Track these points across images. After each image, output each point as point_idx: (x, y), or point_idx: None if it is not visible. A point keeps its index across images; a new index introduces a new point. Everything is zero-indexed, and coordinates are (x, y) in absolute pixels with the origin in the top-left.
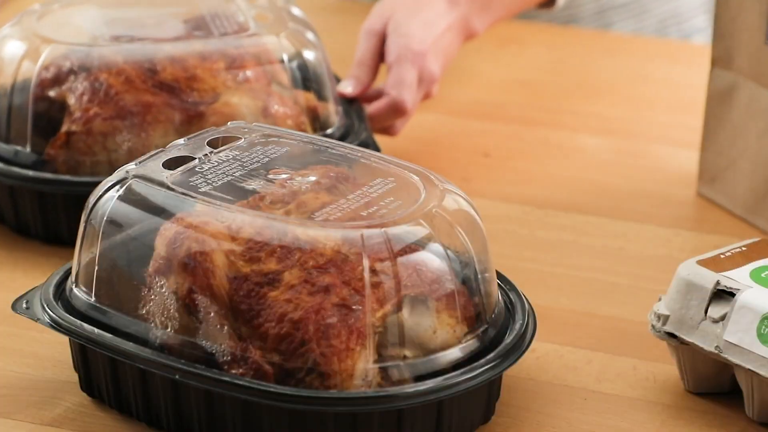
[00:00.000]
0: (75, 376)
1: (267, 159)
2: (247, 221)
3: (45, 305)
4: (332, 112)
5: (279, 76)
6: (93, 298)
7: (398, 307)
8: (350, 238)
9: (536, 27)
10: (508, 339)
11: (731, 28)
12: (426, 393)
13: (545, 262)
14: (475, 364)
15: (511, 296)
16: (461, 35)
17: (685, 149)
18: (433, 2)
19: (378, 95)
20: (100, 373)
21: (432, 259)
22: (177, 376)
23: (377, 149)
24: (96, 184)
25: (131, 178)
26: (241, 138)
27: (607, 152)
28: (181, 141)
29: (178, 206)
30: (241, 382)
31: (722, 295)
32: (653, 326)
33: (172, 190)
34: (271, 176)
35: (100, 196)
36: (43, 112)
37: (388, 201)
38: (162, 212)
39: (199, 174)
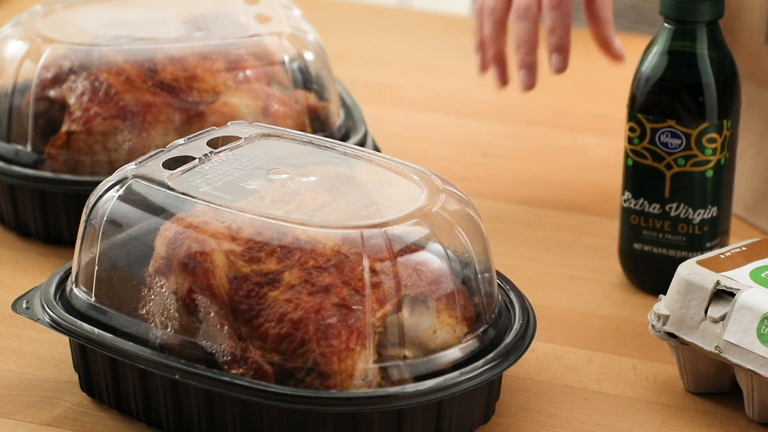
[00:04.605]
0: (75, 376)
1: (267, 159)
2: (247, 221)
3: (45, 305)
4: (333, 113)
5: (279, 77)
6: (93, 298)
7: (398, 307)
8: (350, 238)
9: None
10: (508, 339)
11: (731, 28)
12: (426, 393)
13: (545, 262)
14: (475, 364)
15: (511, 296)
16: None
17: None
18: None
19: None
20: (100, 373)
21: (432, 259)
22: (177, 376)
23: (377, 149)
24: (96, 183)
25: (131, 178)
26: (241, 138)
27: (607, 152)
28: (181, 141)
29: (178, 206)
30: (241, 382)
31: (722, 295)
32: (653, 326)
33: (172, 190)
34: (271, 176)
35: (100, 196)
36: (44, 111)
37: (388, 201)
38: (162, 212)
39: (199, 174)
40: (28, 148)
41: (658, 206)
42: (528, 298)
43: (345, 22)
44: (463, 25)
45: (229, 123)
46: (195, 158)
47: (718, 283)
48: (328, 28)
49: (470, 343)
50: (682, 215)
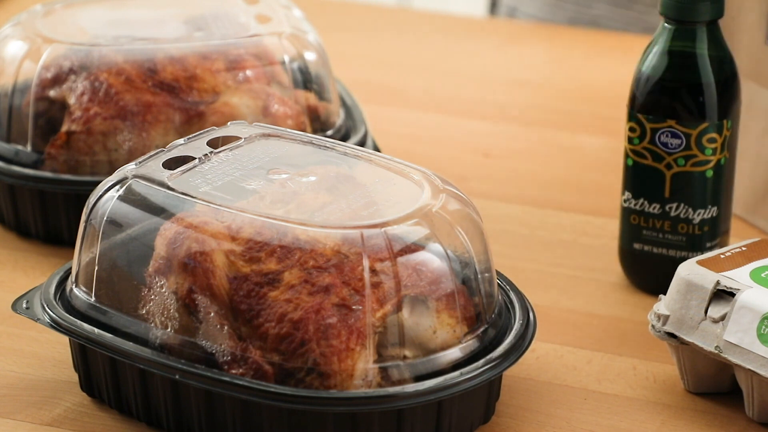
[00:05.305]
0: (75, 376)
1: (267, 159)
2: (247, 221)
3: (45, 305)
4: (333, 113)
5: (279, 77)
6: (93, 298)
7: (398, 307)
8: (350, 238)
9: (536, 27)
10: (508, 339)
11: (731, 28)
12: (426, 393)
13: (545, 262)
14: (475, 364)
15: (511, 296)
16: None
17: None
18: None
19: None
20: (100, 373)
21: (432, 259)
22: (177, 376)
23: (377, 149)
24: (96, 183)
25: (131, 178)
26: (241, 138)
27: (607, 152)
28: (181, 141)
29: (178, 206)
30: (241, 382)
31: (722, 295)
32: (653, 326)
33: (172, 190)
34: (271, 176)
35: (100, 196)
36: (44, 111)
37: (388, 201)
38: (162, 212)
39: (199, 174)
40: (28, 148)
41: (658, 206)
42: (528, 298)
43: (345, 22)
44: (463, 25)
45: (229, 123)
46: (195, 158)
47: (718, 283)
48: (328, 28)
49: (470, 343)
50: (682, 215)
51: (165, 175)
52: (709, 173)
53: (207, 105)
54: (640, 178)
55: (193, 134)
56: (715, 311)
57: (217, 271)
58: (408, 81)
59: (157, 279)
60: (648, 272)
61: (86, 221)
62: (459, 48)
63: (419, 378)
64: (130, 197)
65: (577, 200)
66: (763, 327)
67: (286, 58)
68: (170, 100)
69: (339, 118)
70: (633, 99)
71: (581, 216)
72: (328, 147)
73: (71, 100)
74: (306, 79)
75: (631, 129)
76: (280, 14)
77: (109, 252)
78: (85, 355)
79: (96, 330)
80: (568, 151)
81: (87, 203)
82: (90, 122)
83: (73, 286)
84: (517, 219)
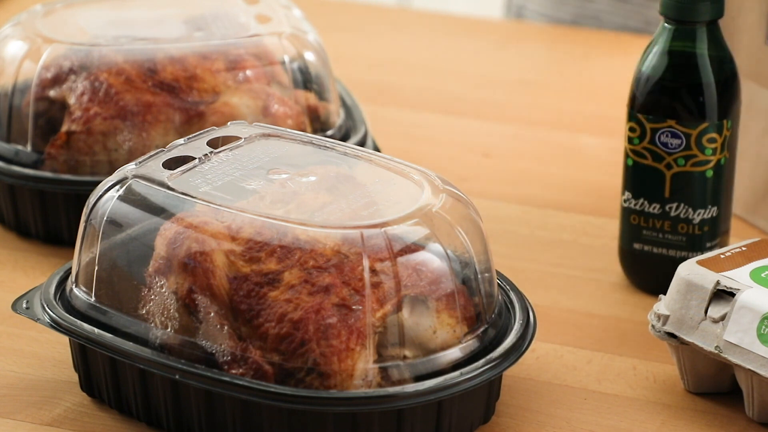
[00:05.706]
0: (75, 376)
1: (267, 159)
2: (247, 221)
3: (45, 305)
4: (333, 113)
5: (279, 77)
6: (93, 298)
7: (398, 307)
8: (350, 238)
9: (536, 27)
10: (508, 339)
11: (731, 28)
12: (426, 393)
13: (545, 262)
14: (475, 364)
15: (511, 296)
16: None
17: None
18: None
19: None
20: (100, 373)
21: (432, 259)
22: (177, 376)
23: (377, 149)
24: (96, 183)
25: (131, 178)
26: (241, 138)
27: (607, 152)
28: (181, 141)
29: (178, 206)
30: (241, 382)
31: (722, 295)
32: (653, 326)
33: (172, 190)
34: (271, 176)
35: (100, 196)
36: (44, 111)
37: (388, 201)
38: (162, 212)
39: (199, 174)
40: (28, 148)
41: (658, 206)
42: (528, 298)
43: (345, 22)
44: (463, 25)
45: (229, 123)
46: (195, 158)
47: (718, 283)
48: (328, 28)
49: (470, 343)
50: (682, 215)
51: (165, 175)
52: (709, 173)
53: (207, 105)
54: (640, 178)
55: (193, 134)
56: (715, 311)
57: (217, 271)
58: (408, 81)
59: (157, 279)
60: (648, 272)
61: (86, 221)
62: (459, 48)
63: (419, 378)
64: (130, 197)
65: (577, 200)
66: (763, 327)
67: (286, 58)
68: (170, 100)
69: (339, 118)
70: (633, 99)
71: (581, 216)
72: (328, 147)
73: (71, 100)
74: (306, 79)
75: (631, 129)
76: (280, 14)
77: (109, 252)
78: (85, 355)
79: (96, 330)
80: (568, 151)
81: (87, 203)
82: (90, 122)
83: (73, 286)
84: (517, 219)
